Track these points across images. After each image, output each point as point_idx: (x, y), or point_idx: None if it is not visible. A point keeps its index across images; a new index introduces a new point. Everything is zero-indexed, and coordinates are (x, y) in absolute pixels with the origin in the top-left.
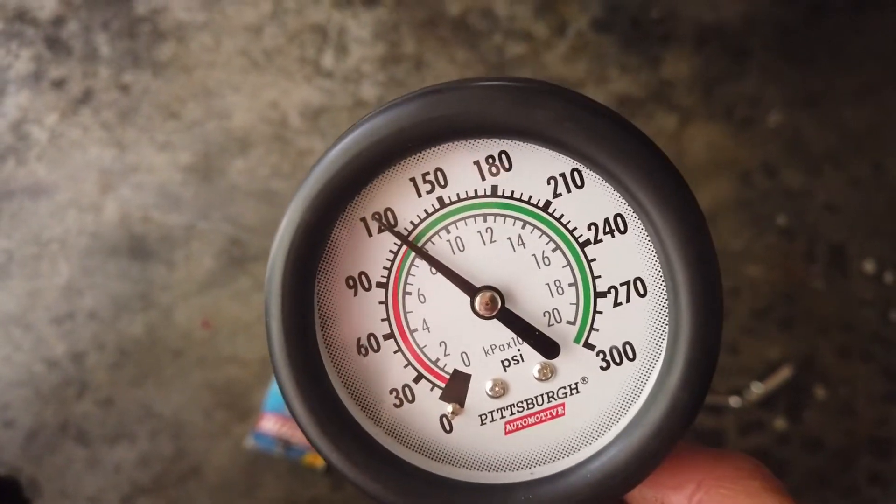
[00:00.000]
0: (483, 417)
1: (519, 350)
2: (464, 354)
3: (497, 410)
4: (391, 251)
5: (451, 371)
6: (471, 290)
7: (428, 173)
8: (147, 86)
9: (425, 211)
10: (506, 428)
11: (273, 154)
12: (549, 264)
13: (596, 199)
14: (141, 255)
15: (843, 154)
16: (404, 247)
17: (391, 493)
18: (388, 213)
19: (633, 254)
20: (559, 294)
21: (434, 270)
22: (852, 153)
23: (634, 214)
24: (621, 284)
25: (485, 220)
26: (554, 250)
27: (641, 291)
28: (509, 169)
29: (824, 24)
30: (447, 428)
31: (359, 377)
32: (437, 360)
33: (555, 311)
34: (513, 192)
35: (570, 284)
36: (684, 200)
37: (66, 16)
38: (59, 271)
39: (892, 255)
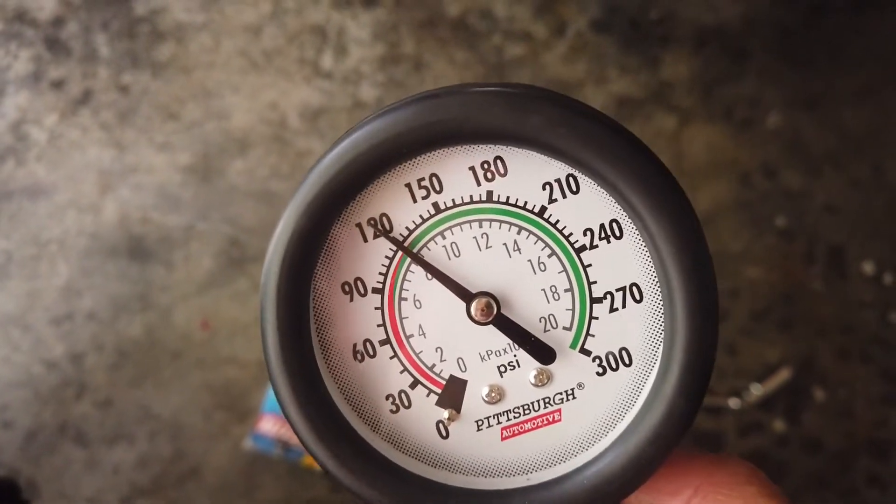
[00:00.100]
0: (479, 423)
1: (515, 356)
2: (460, 360)
3: (493, 416)
4: (387, 257)
5: (447, 377)
6: (466, 295)
7: (423, 179)
8: (146, 86)
9: (420, 216)
10: (502, 434)
11: (272, 155)
12: (544, 270)
13: (591, 204)
14: (140, 256)
15: (842, 155)
16: (400, 252)
17: (387, 499)
18: (384, 219)
19: (628, 259)
20: (555, 300)
21: (430, 276)
22: (852, 154)
23: (630, 220)
24: (617, 290)
25: (480, 226)
26: (549, 256)
27: (637, 297)
28: (505, 174)
29: (824, 25)
30: (443, 434)
31: (355, 383)
32: (434, 365)
33: (551, 316)
34: (508, 197)
35: (565, 290)
36: (679, 206)
37: (65, 16)
38: (58, 272)
39: (892, 256)
